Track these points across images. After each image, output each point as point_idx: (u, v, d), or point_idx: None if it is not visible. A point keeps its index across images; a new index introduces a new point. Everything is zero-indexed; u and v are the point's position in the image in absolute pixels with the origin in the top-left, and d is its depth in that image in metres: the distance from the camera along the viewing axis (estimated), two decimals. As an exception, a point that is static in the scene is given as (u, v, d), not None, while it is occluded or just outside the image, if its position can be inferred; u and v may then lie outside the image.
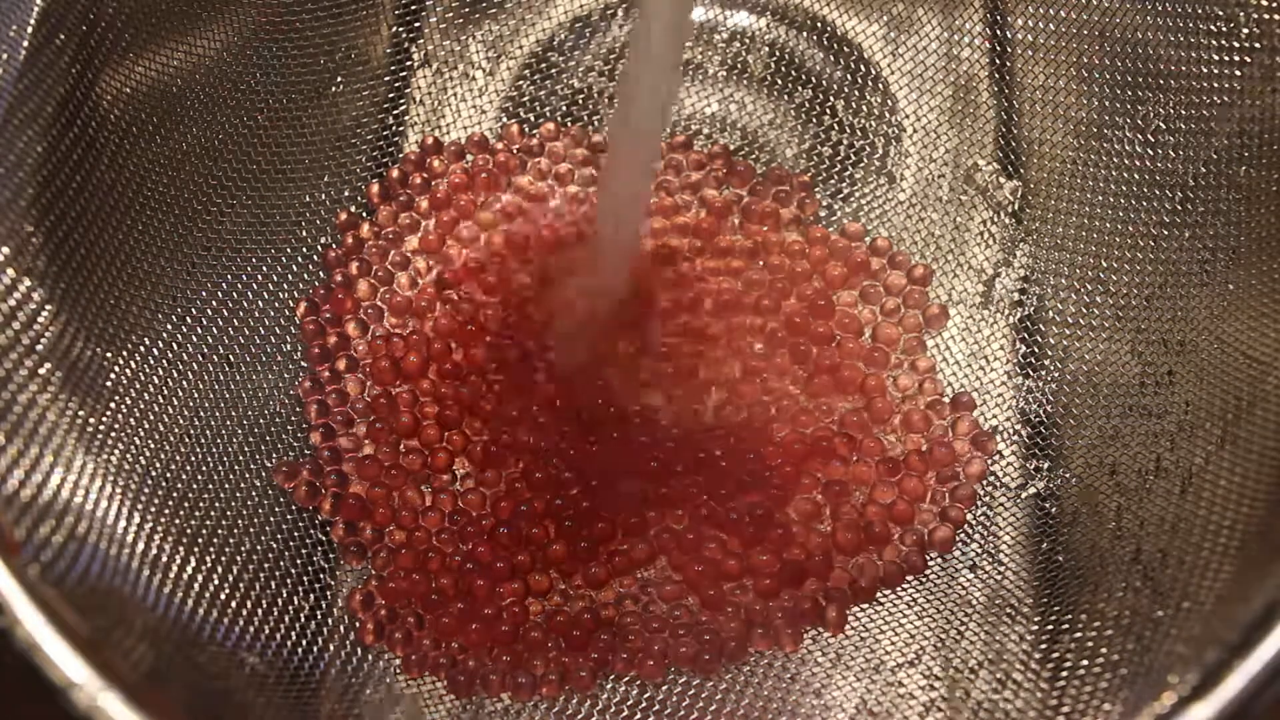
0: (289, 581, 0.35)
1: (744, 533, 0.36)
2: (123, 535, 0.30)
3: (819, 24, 0.45)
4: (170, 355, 0.35)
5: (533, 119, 0.44)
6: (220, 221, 0.38)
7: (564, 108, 0.44)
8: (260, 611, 0.33)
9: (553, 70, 0.45)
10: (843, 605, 0.36)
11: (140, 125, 0.35)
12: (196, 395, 0.35)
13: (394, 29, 0.44)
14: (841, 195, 0.43)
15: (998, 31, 0.44)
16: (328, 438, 0.38)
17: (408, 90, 0.44)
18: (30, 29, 0.31)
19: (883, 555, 0.36)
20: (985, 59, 0.44)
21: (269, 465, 0.37)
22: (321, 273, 0.40)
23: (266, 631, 0.33)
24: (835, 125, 0.44)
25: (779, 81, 0.44)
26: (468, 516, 0.36)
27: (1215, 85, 0.35)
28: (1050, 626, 0.34)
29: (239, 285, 0.38)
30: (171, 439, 0.34)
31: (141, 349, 0.34)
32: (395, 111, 0.44)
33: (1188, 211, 0.36)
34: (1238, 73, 0.35)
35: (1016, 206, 0.42)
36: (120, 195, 0.34)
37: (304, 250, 0.40)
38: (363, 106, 0.43)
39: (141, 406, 0.33)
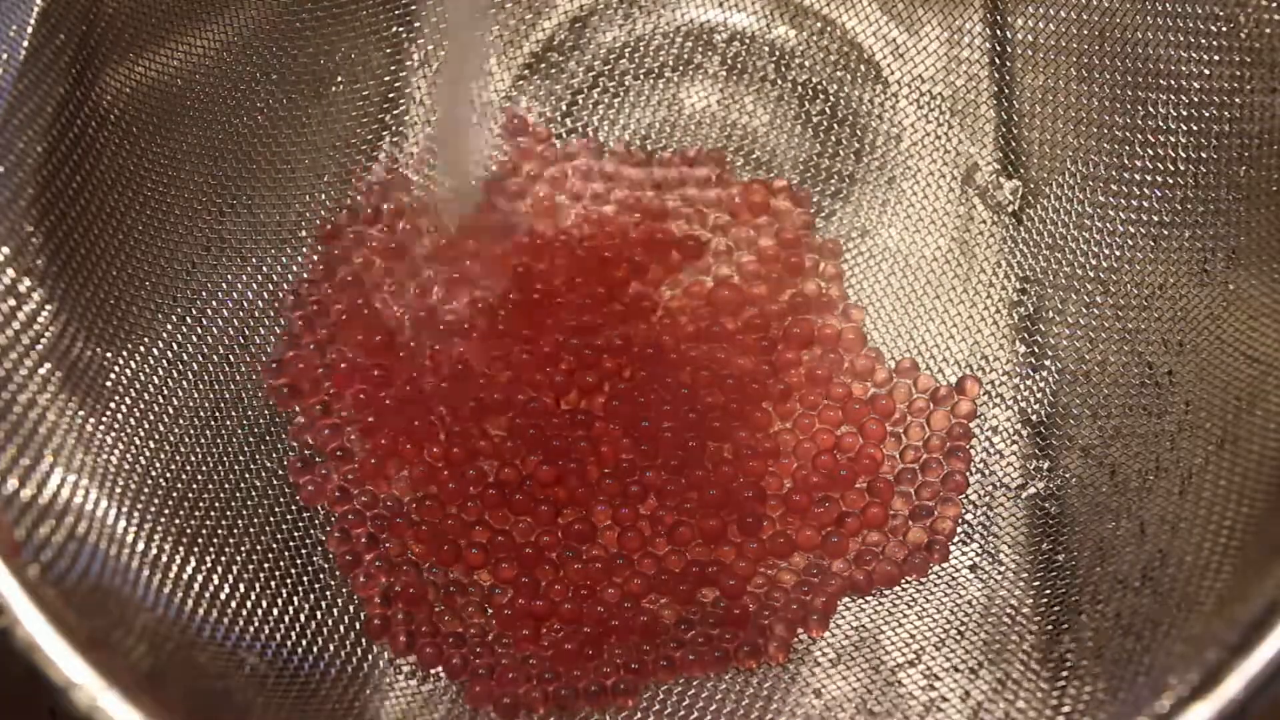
0: (289, 581, 0.35)
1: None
2: (123, 535, 0.30)
3: (819, 24, 0.45)
4: (170, 355, 0.35)
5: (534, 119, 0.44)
6: (220, 221, 0.38)
7: (564, 108, 0.44)
8: (260, 611, 0.33)
9: (553, 70, 0.45)
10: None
11: (140, 125, 0.35)
12: (196, 395, 0.35)
13: (394, 29, 0.44)
14: (841, 195, 0.43)
15: (998, 32, 0.44)
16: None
17: (408, 90, 0.44)
18: (30, 29, 0.32)
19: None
20: (986, 59, 0.44)
21: (269, 465, 0.37)
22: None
23: (266, 631, 0.33)
24: (835, 125, 0.44)
25: (779, 81, 0.44)
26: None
27: (1215, 85, 0.35)
28: (1050, 626, 0.34)
29: (239, 285, 0.38)
30: (171, 439, 0.34)
31: (141, 349, 0.34)
32: (395, 111, 0.44)
33: (1188, 211, 0.36)
34: (1238, 73, 0.35)
35: (1016, 206, 0.42)
36: (120, 195, 0.34)
37: (304, 251, 0.40)
38: (363, 106, 0.43)
39: (141, 406, 0.33)
